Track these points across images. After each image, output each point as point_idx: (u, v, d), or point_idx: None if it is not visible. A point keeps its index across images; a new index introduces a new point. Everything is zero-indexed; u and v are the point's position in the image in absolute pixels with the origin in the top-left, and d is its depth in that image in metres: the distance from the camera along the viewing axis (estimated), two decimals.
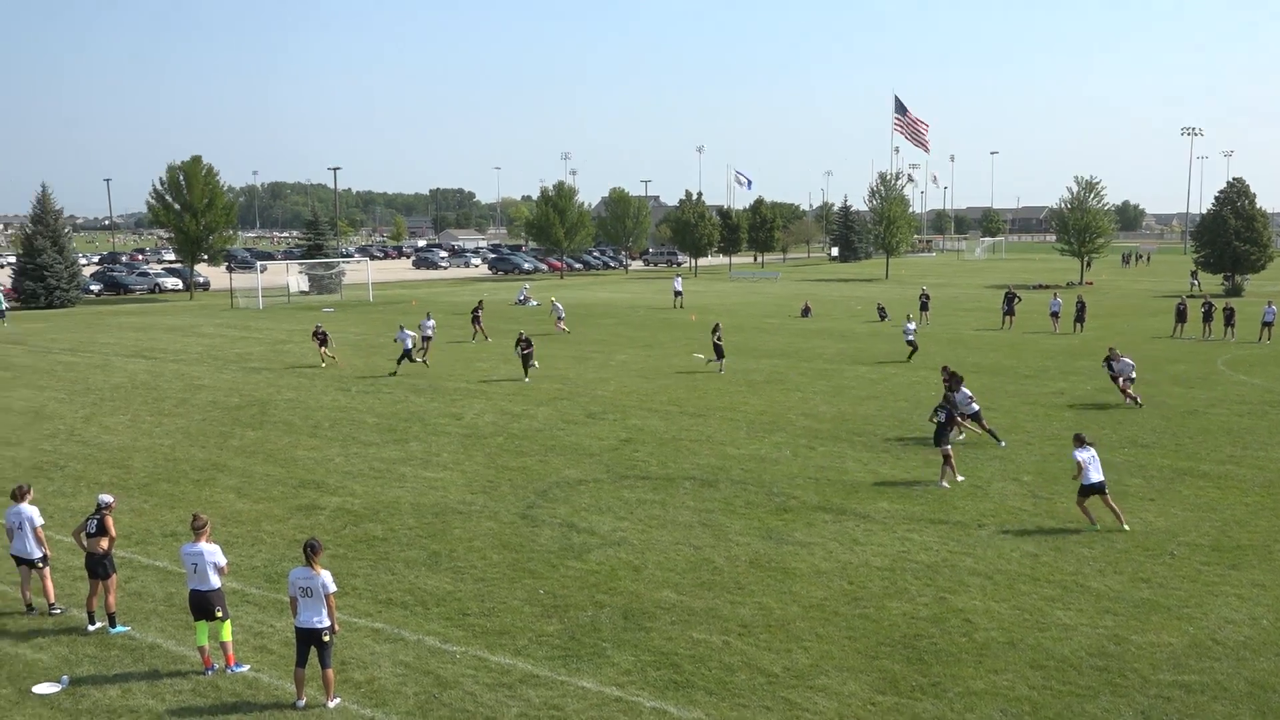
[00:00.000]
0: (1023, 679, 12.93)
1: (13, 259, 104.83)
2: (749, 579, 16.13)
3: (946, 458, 21.15)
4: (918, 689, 12.69)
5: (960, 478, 21.41)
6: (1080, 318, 49.46)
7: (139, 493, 21.05)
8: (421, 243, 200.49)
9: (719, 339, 37.01)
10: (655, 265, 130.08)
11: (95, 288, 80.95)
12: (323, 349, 38.30)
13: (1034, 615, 14.73)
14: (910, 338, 39.38)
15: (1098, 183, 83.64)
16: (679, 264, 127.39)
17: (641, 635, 14.14)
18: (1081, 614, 14.77)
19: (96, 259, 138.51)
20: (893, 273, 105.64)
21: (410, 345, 36.51)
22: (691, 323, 54.27)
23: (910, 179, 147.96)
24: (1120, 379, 29.34)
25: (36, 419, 28.66)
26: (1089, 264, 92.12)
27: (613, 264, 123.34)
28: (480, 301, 48.32)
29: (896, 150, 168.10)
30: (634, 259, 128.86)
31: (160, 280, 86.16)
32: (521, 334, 35.65)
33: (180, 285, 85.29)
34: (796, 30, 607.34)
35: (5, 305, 58.29)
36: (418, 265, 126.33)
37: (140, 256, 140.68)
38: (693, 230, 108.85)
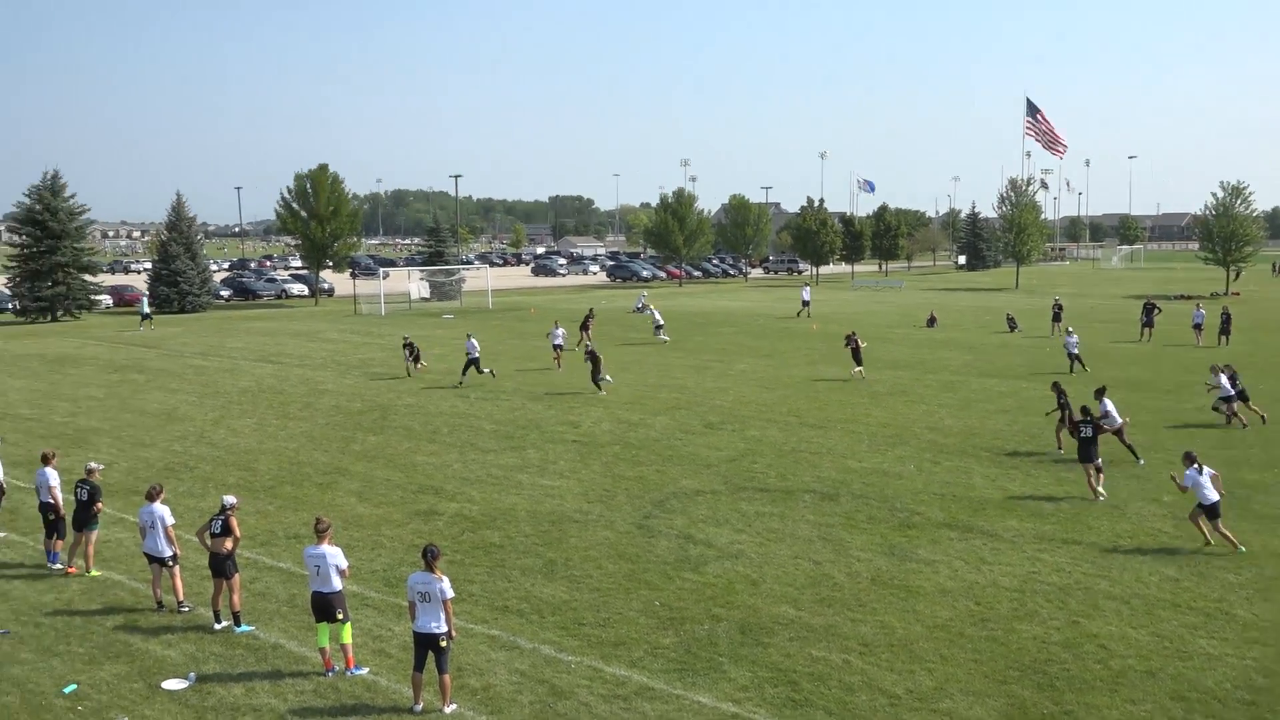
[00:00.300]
0: (1162, 711, 12.43)
1: (148, 265, 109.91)
2: (870, 596, 15.87)
3: (1099, 469, 20.72)
4: (1048, 717, 12.30)
5: (1102, 494, 20.75)
6: (1225, 330, 47.44)
7: (264, 495, 21.75)
8: (540, 250, 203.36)
9: (856, 344, 37.09)
10: (775, 273, 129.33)
11: (225, 293, 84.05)
12: (410, 363, 37.97)
13: (1175, 643, 14.15)
14: (1074, 350, 38.66)
15: (1245, 188, 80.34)
16: (800, 272, 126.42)
17: (759, 651, 14.02)
18: (1226, 643, 14.14)
19: (227, 265, 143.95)
20: (1023, 282, 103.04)
21: (477, 354, 36.44)
22: (813, 332, 53.77)
23: (1043, 184, 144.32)
24: (1221, 399, 27.83)
25: (169, 421, 29.87)
26: (1236, 274, 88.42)
27: (732, 272, 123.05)
28: (591, 310, 48.52)
29: (1028, 155, 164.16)
30: (754, 267, 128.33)
31: (287, 286, 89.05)
32: (588, 346, 35.62)
33: (306, 291, 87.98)
34: (922, 30, 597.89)
35: (149, 309, 60.97)
36: (536, 272, 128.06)
37: (268, 263, 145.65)
38: (814, 237, 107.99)
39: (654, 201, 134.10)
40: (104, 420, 30.05)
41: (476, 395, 33.49)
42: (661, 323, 49.90)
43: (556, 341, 40.05)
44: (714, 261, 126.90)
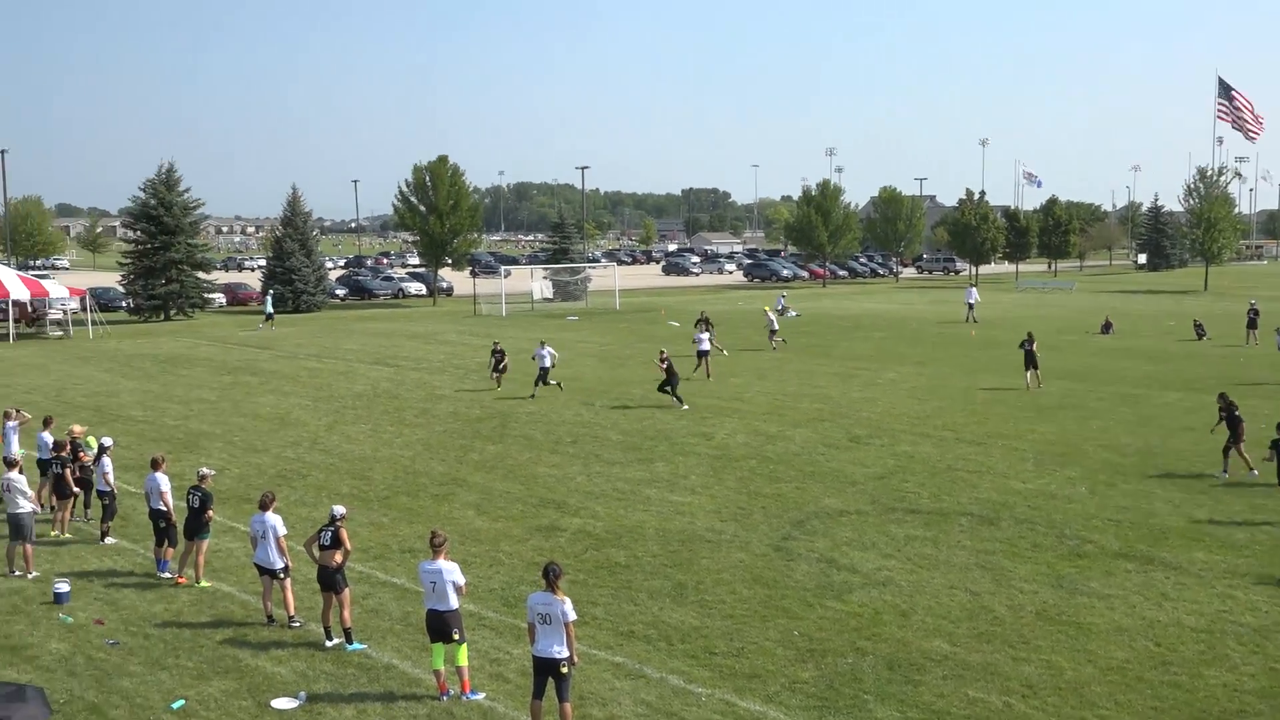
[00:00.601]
0: None
1: (262, 262, 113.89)
2: (1035, 632, 15.44)
3: None
4: None
5: None
6: None
7: (378, 505, 22.27)
8: (672, 247, 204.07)
9: (1032, 347, 36.21)
10: (930, 273, 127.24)
11: (341, 292, 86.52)
12: (494, 372, 37.18)
13: None
14: None
15: None
16: (957, 271, 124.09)
17: (908, 689, 13.76)
18: None
19: (342, 262, 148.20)
20: (1213, 283, 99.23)
21: (549, 364, 35.66)
22: (972, 338, 52.70)
23: (1237, 174, 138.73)
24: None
25: (281, 425, 30.87)
26: None
27: (881, 271, 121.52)
28: (702, 314, 48.06)
29: (1219, 141, 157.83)
30: (906, 266, 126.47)
31: (404, 285, 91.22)
32: (663, 352, 35.17)
33: (424, 290, 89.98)
34: (1094, 5, 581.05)
35: (271, 308, 63.36)
36: (668, 271, 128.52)
37: (385, 260, 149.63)
38: (974, 233, 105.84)
39: (795, 194, 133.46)
40: (216, 424, 31.22)
41: (602, 403, 33.73)
42: (776, 327, 48.80)
43: (702, 347, 39.05)
44: (861, 260, 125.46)
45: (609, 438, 28.58)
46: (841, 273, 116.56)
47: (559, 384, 36.24)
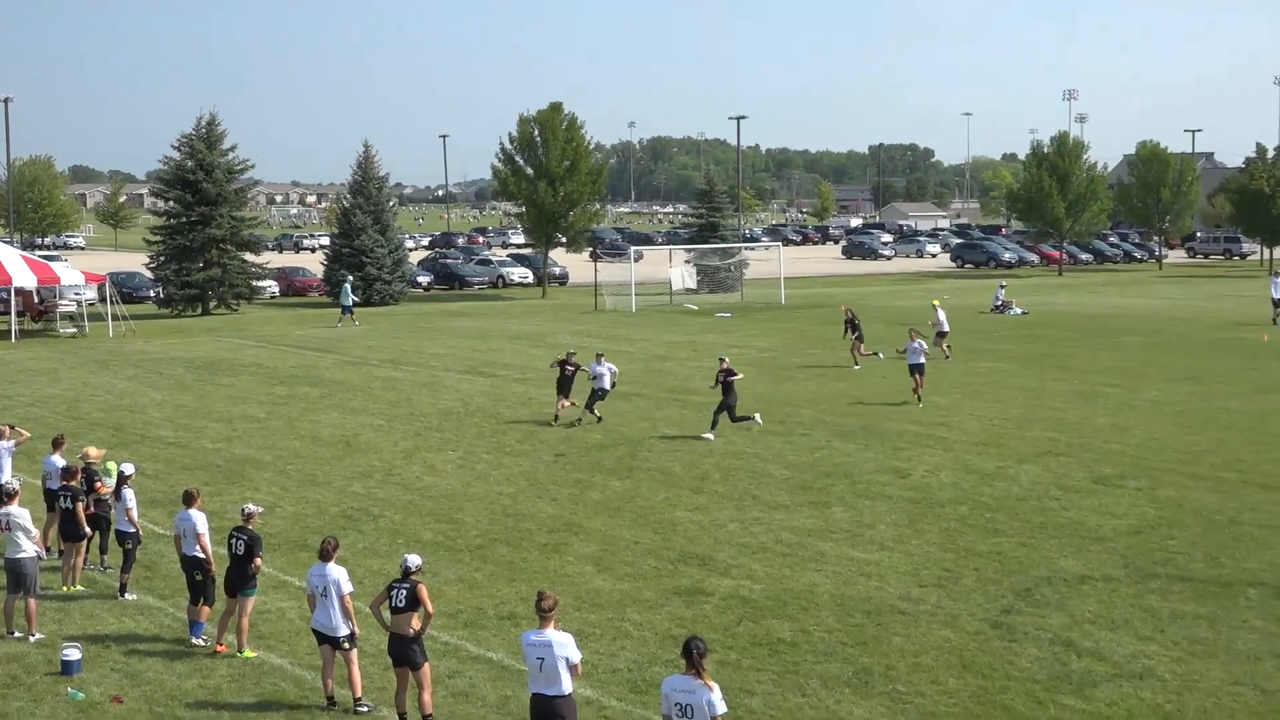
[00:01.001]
0: None
1: (325, 240, 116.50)
2: None
3: None
4: None
5: None
6: None
7: (469, 557, 22.54)
8: (855, 221, 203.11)
9: None
10: (1205, 256, 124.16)
11: (424, 279, 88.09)
12: (562, 399, 35.38)
13: None
14: None
15: None
16: (1243, 254, 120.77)
17: None
18: None
19: (427, 241, 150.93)
20: None
21: (609, 385, 34.98)
22: (1263, 344, 51.21)
23: None
24: None
25: (347, 451, 31.50)
26: None
27: (1139, 254, 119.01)
28: (849, 313, 47.44)
29: None
30: (1173, 247, 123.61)
31: (505, 271, 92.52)
32: (723, 359, 34.05)
33: (530, 277, 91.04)
34: None
35: (353, 299, 64.33)
36: (850, 253, 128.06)
37: (481, 239, 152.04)
38: (1267, 204, 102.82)
39: (1022, 152, 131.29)
40: (265, 448, 32.00)
41: (762, 428, 33.65)
42: (946, 329, 47.51)
43: (916, 360, 37.37)
44: (1111, 239, 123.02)
45: (771, 473, 28.48)
46: (1084, 256, 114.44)
47: (598, 416, 34.56)
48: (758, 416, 33.95)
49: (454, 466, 29.66)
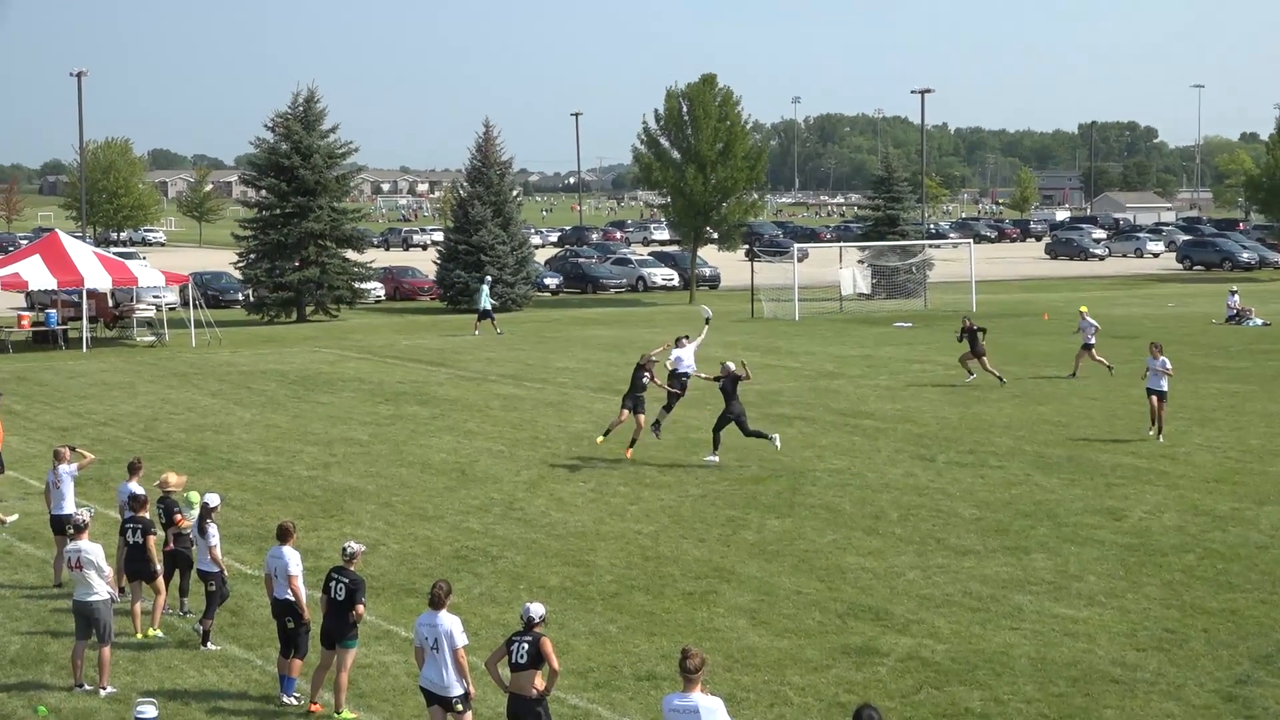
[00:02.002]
0: None
1: (438, 235, 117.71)
2: None
3: None
4: None
5: None
6: None
7: (602, 606, 22.59)
8: (1062, 214, 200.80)
9: None
10: None
11: (552, 280, 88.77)
12: (626, 415, 34.48)
13: None
14: None
15: None
16: None
17: None
18: None
19: (555, 236, 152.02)
20: None
21: (686, 370, 34.51)
22: None
23: None
24: None
25: (462, 481, 31.78)
26: None
27: None
28: (967, 321, 46.57)
29: None
30: None
31: (647, 272, 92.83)
32: (736, 366, 33.35)
33: (675, 280, 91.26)
34: None
35: (489, 302, 64.83)
36: (1054, 252, 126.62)
37: (618, 234, 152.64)
38: None
39: (1264, 131, 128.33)
40: (368, 476, 32.42)
41: (947, 458, 33.37)
42: (1092, 340, 46.41)
43: (1157, 384, 35.91)
44: None
45: (958, 513, 28.24)
46: None
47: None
48: (777, 439, 33.63)
49: (585, 500, 29.81)
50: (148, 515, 21.77)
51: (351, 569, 18.26)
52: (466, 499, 29.92)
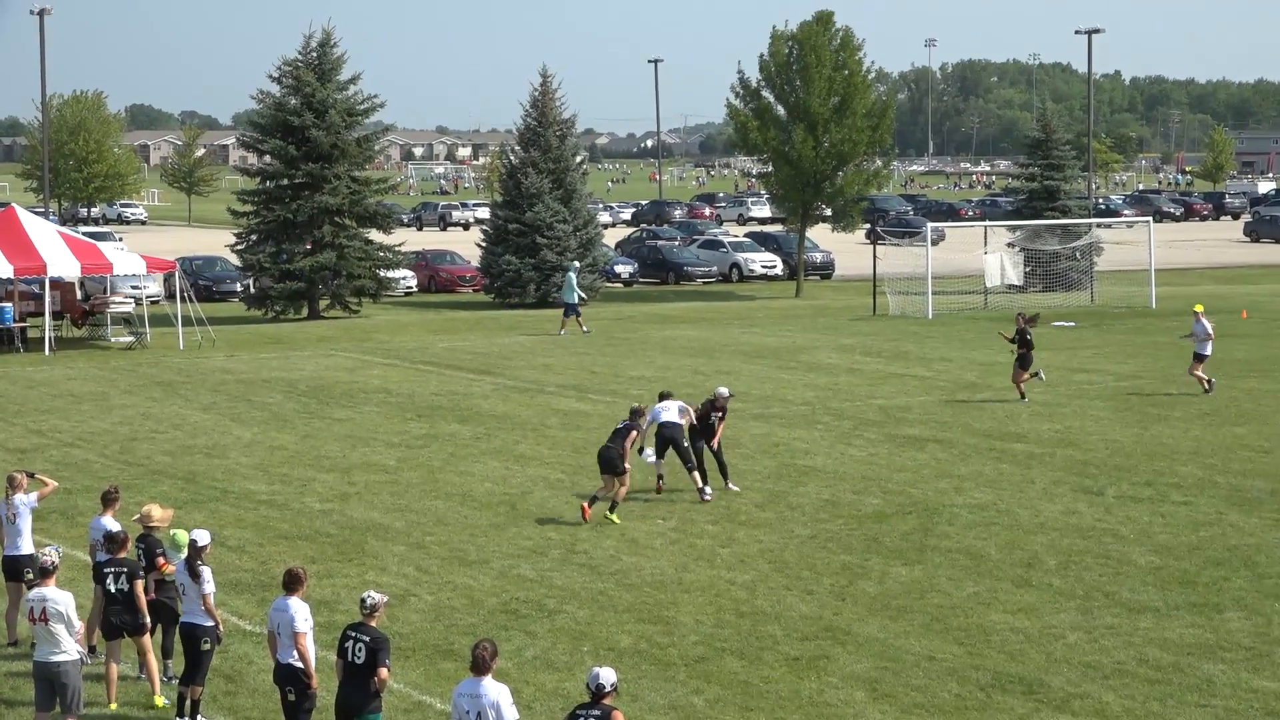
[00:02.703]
0: None
1: (483, 211, 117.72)
2: None
3: None
4: None
5: None
6: None
7: (685, 674, 22.57)
8: (1265, 186, 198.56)
9: None
10: None
11: (624, 268, 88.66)
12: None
13: None
14: None
15: None
16: None
17: None
18: None
19: (628, 213, 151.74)
20: None
21: (676, 431, 33.44)
22: None
23: None
24: None
25: (512, 517, 31.78)
26: None
27: None
28: (1024, 319, 46.13)
29: None
30: None
31: (743, 257, 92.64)
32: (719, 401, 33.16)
33: (778, 267, 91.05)
34: None
35: (576, 295, 65.21)
36: (1255, 233, 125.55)
37: (707, 210, 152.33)
38: None
39: None
40: (395, 510, 32.48)
41: (1118, 491, 33.20)
42: (1208, 351, 46.07)
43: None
44: None
45: (1132, 559, 28.13)
46: None
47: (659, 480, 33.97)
48: (721, 486, 33.69)
49: (665, 542, 29.82)
50: (131, 557, 21.74)
51: (372, 625, 18.26)
52: (517, 539, 29.95)
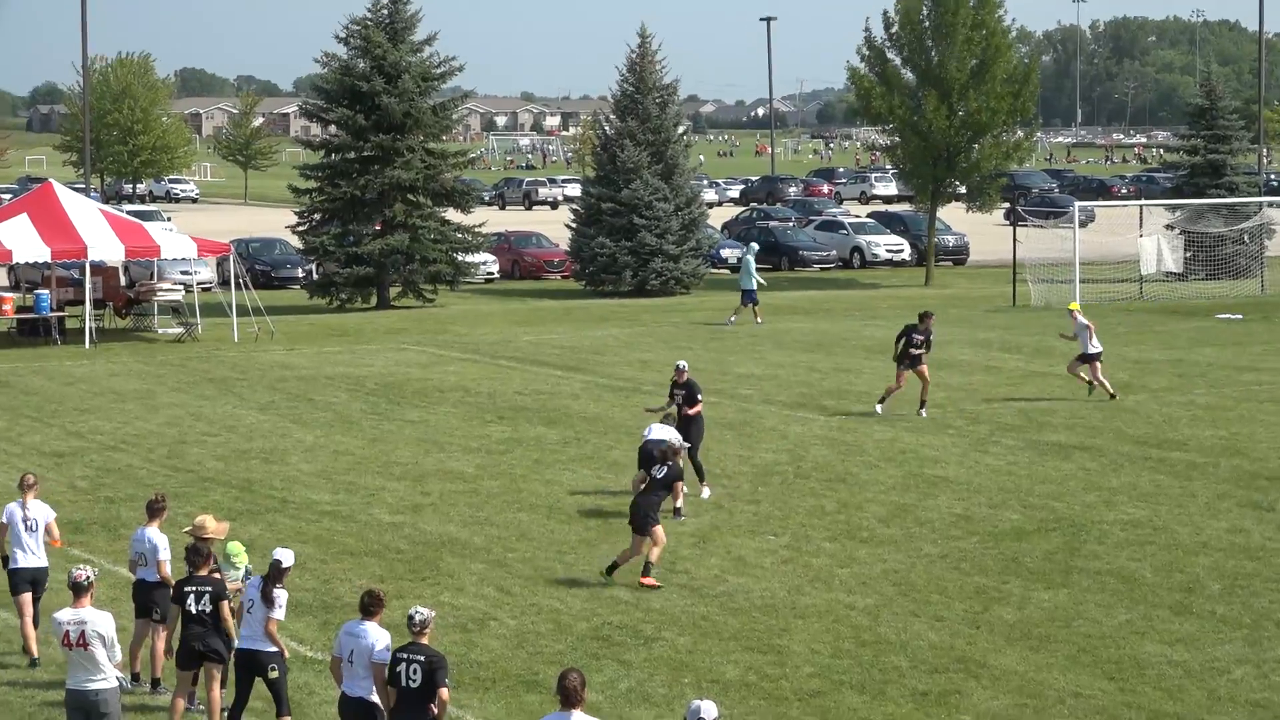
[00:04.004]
0: None
1: (573, 188, 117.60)
2: None
3: None
4: None
5: None
6: None
7: (799, 708, 22.51)
8: None
9: None
10: None
11: (732, 251, 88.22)
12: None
13: None
14: None
15: None
16: None
17: None
18: None
19: (737, 190, 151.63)
20: None
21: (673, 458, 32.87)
22: None
23: None
24: None
25: (604, 532, 31.65)
26: None
27: None
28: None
29: None
30: None
31: (866, 240, 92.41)
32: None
33: (905, 251, 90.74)
34: None
35: (758, 279, 65.54)
36: None
37: (826, 187, 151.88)
38: None
39: None
40: (473, 523, 32.56)
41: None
42: (1092, 349, 45.44)
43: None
44: None
45: None
46: None
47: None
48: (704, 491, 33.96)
49: (777, 561, 29.78)
50: (217, 575, 21.38)
51: (424, 642, 18.34)
52: (610, 556, 29.81)
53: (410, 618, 18.42)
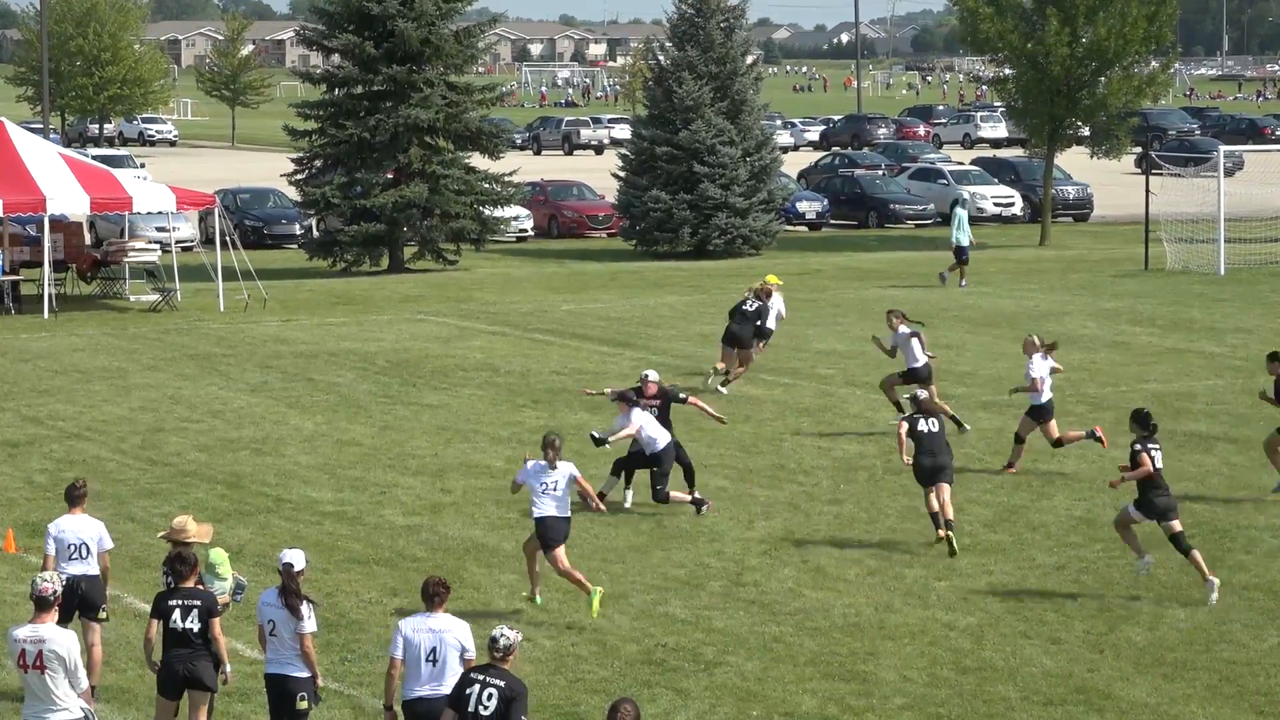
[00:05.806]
0: None
1: (622, 129, 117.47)
2: None
3: None
4: None
5: None
6: None
7: None
8: None
9: None
10: None
11: (809, 205, 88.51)
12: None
13: None
14: None
15: None
16: None
17: None
18: None
19: (817, 133, 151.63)
20: None
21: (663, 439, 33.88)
22: None
23: None
24: None
25: (656, 538, 31.95)
26: None
27: None
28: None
29: None
30: None
31: (969, 191, 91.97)
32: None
33: (1016, 204, 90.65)
34: None
35: (966, 236, 66.02)
36: None
37: (921, 129, 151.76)
38: None
39: None
40: (502, 526, 32.72)
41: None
42: (772, 325, 46.68)
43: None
44: None
45: None
46: None
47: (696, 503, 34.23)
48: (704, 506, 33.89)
49: (862, 572, 29.87)
50: (200, 587, 21.17)
51: (506, 668, 18.32)
52: (664, 566, 30.09)
53: (494, 640, 18.35)
